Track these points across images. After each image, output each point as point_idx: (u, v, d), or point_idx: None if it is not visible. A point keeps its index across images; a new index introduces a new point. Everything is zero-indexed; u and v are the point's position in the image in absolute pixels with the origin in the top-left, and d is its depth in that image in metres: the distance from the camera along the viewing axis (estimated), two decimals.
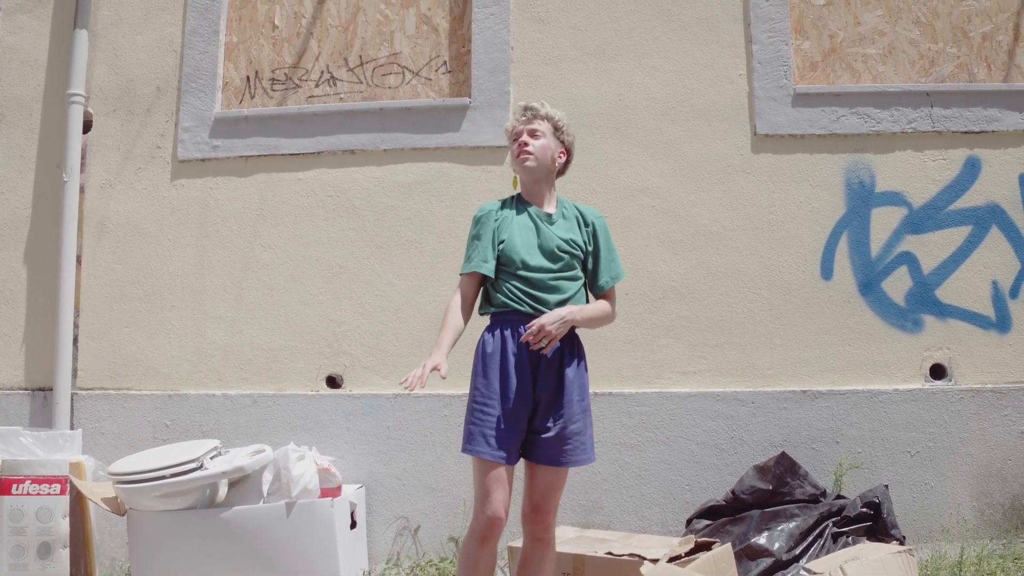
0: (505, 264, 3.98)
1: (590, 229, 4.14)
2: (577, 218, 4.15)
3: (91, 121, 6.44)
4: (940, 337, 5.78)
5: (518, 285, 3.94)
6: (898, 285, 5.82)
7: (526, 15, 6.20)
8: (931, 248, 5.83)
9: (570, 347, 3.99)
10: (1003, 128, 5.88)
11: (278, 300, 6.17)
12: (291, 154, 6.25)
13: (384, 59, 6.34)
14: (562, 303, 3.94)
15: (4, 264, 6.43)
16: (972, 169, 5.88)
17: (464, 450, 3.88)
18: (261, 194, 6.26)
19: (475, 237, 4.09)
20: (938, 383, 5.73)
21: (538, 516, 3.95)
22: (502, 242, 4.00)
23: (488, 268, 3.99)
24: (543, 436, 3.88)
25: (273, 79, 6.41)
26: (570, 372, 3.95)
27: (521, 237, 4.00)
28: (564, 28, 6.16)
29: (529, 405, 3.89)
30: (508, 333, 3.92)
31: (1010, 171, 5.87)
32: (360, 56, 6.36)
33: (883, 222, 5.87)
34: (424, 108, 6.18)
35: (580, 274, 4.09)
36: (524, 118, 4.15)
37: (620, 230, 5.89)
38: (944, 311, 5.79)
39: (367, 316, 6.09)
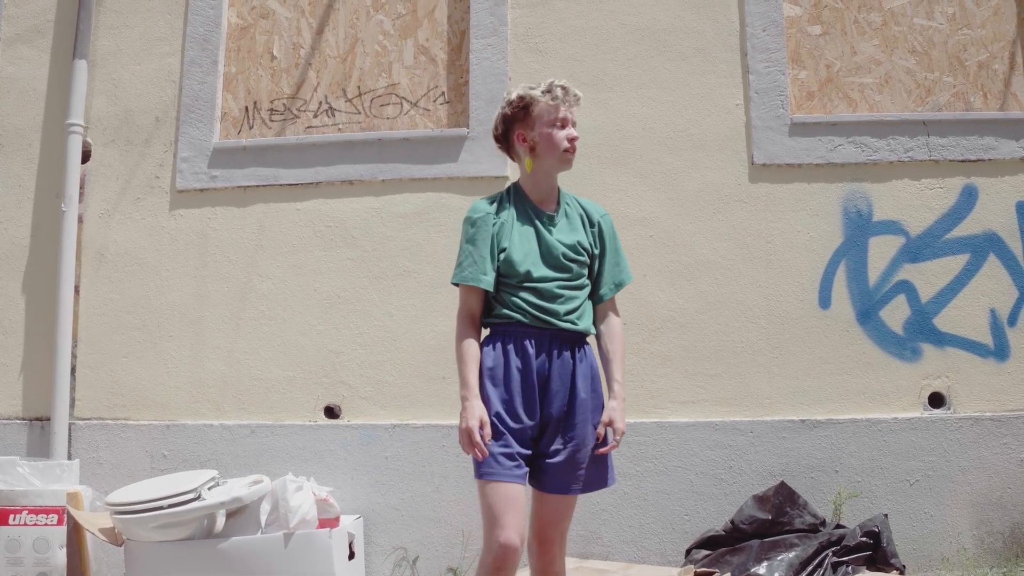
0: (506, 276, 3.57)
1: (596, 229, 3.74)
2: (582, 216, 3.75)
3: (90, 151, 6.46)
4: (939, 366, 5.78)
5: (524, 296, 3.54)
6: (896, 314, 5.82)
7: (524, 46, 6.23)
8: (929, 277, 5.84)
9: (583, 360, 3.61)
10: (1000, 156, 5.90)
11: (276, 330, 6.17)
12: (289, 184, 6.26)
13: (382, 90, 6.36)
14: (571, 313, 3.57)
15: (2, 293, 6.43)
16: (969, 197, 5.89)
17: (479, 475, 3.43)
18: (259, 224, 6.27)
19: (469, 241, 3.61)
20: (937, 411, 5.73)
21: (543, 548, 3.58)
22: (503, 250, 3.58)
23: (488, 282, 3.56)
24: (551, 461, 3.51)
25: (272, 109, 6.43)
26: (582, 389, 3.57)
27: (522, 246, 3.59)
28: (562, 59, 6.19)
29: (536, 425, 3.51)
30: (511, 347, 3.54)
31: (1007, 199, 5.88)
32: (358, 87, 6.39)
33: (881, 251, 5.88)
34: (422, 138, 6.20)
35: (587, 281, 3.68)
36: (569, 102, 3.71)
37: None
38: (942, 340, 5.79)
39: (365, 346, 6.08)
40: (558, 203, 3.76)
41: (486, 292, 3.62)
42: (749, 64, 6.07)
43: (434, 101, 6.32)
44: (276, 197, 6.28)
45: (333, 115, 6.38)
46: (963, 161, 5.92)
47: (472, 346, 3.55)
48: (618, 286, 3.79)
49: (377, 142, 6.24)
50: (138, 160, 6.43)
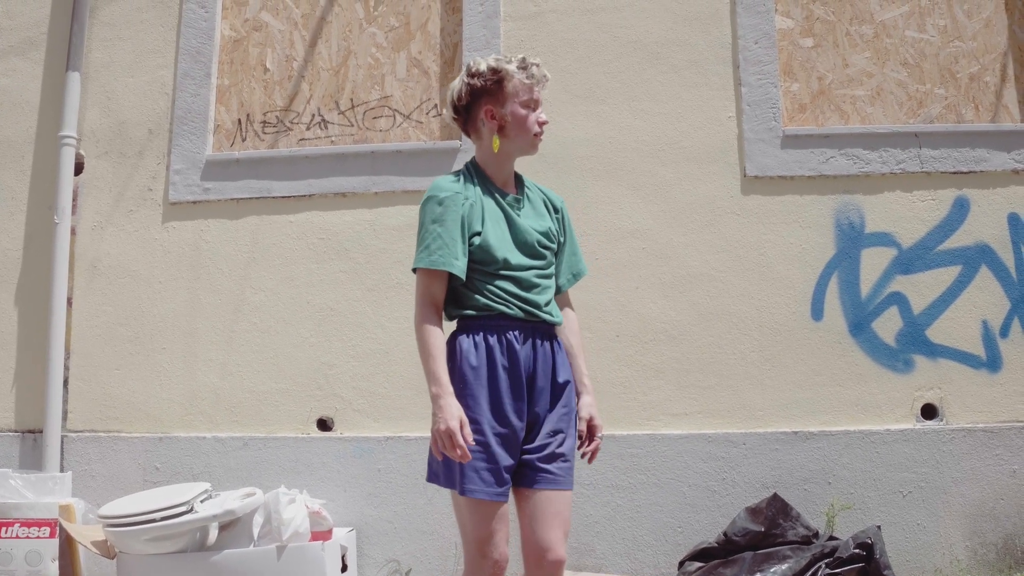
0: (480, 263, 3.30)
1: (559, 215, 3.56)
2: (545, 203, 3.55)
3: (83, 163, 6.46)
4: (931, 377, 5.78)
5: (502, 285, 3.30)
6: (888, 325, 5.83)
7: None
8: (921, 288, 5.84)
9: (559, 351, 3.43)
10: (991, 168, 5.90)
11: (269, 343, 6.16)
12: (282, 197, 6.26)
13: (375, 102, 6.37)
14: (548, 304, 3.37)
15: None
16: (961, 209, 5.90)
17: (462, 491, 3.18)
18: (252, 237, 6.26)
19: (436, 222, 3.27)
20: (929, 423, 5.73)
21: (550, 556, 3.22)
22: (476, 234, 3.30)
23: (460, 268, 3.25)
24: (539, 456, 3.27)
25: (264, 122, 6.43)
26: (562, 379, 3.38)
27: (495, 230, 3.32)
28: (554, 71, 6.18)
29: (524, 425, 3.29)
30: (494, 340, 3.27)
31: (999, 211, 5.89)
32: (351, 99, 6.39)
33: (873, 263, 5.89)
34: (415, 151, 6.20)
35: (554, 271, 3.50)
36: (543, 82, 3.43)
37: (610, 272, 5.91)
38: (935, 351, 5.79)
39: (358, 359, 6.08)
40: (516, 186, 3.54)
41: (451, 280, 3.34)
42: (741, 76, 6.08)
43: (427, 113, 6.33)
44: (269, 209, 6.28)
45: (326, 127, 6.38)
46: (955, 173, 5.93)
47: (440, 338, 3.24)
48: (575, 277, 3.62)
49: (370, 154, 6.23)
50: (131, 172, 6.43)
